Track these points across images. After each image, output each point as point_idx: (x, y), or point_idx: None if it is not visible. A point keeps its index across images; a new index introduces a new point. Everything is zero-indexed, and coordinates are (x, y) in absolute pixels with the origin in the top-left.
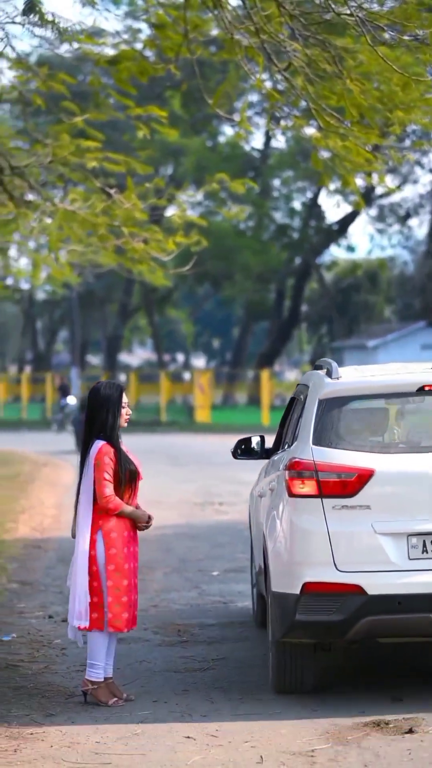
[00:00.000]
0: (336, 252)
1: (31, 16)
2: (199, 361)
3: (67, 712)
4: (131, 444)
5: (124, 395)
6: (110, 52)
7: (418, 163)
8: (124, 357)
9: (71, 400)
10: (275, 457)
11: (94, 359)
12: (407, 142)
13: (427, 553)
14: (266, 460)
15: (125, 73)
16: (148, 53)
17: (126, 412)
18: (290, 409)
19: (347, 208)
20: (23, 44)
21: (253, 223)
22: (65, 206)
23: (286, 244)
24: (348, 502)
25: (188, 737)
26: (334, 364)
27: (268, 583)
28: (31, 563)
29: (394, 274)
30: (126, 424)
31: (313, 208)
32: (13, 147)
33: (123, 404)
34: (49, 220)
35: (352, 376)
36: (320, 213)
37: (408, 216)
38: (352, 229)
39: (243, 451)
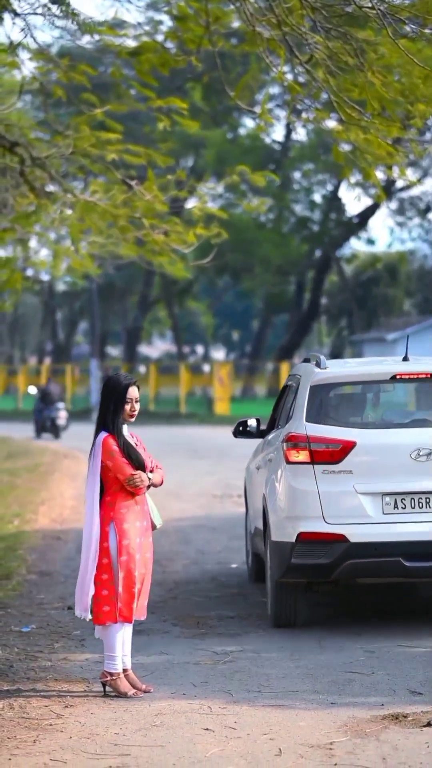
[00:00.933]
0: (356, 245)
1: (56, 6)
2: (219, 353)
3: (86, 704)
4: (150, 435)
5: (132, 390)
6: (131, 43)
7: None
8: (143, 349)
9: (31, 390)
10: (269, 436)
11: (114, 351)
12: (428, 136)
13: (398, 509)
14: (261, 439)
15: (146, 64)
16: (170, 45)
17: (131, 408)
18: (282, 396)
19: (367, 201)
20: (44, 35)
21: (273, 216)
22: (86, 198)
23: (306, 236)
24: (334, 468)
25: (207, 729)
26: (322, 357)
27: (267, 535)
28: (51, 554)
29: (414, 268)
30: (132, 419)
31: (333, 201)
32: (34, 138)
33: (128, 399)
34: (69, 212)
35: (337, 366)
36: (340, 206)
37: (428, 209)
38: (372, 222)
39: (242, 431)
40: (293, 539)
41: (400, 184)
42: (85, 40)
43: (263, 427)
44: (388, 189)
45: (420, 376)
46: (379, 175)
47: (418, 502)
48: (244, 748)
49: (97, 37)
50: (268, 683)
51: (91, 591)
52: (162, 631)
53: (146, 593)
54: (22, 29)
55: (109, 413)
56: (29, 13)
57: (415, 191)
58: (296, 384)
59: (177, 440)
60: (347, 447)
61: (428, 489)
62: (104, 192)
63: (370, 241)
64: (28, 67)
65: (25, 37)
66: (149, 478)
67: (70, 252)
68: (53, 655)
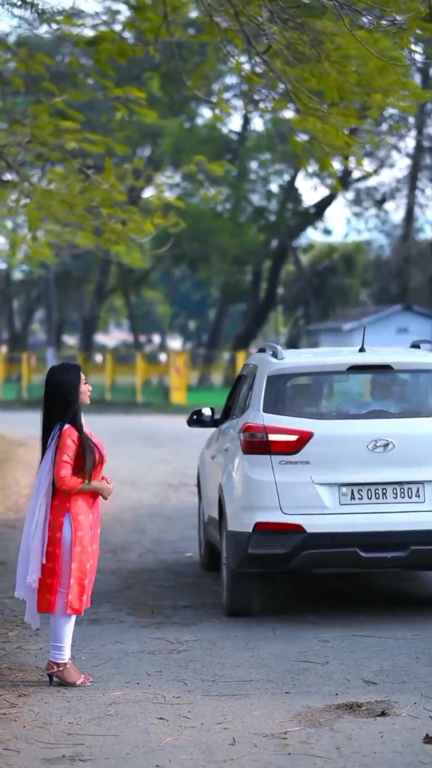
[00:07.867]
0: (312, 235)
1: None
2: (176, 343)
3: (40, 693)
4: (106, 424)
5: (80, 374)
6: (89, 33)
7: (395, 147)
8: (100, 338)
9: None
10: (224, 426)
11: (71, 339)
12: (384, 126)
13: (354, 499)
14: (215, 429)
15: (104, 54)
16: (127, 35)
17: (87, 389)
18: (237, 385)
19: (324, 192)
20: (2, 24)
21: (230, 205)
22: (43, 186)
23: (262, 226)
24: (291, 458)
25: (161, 718)
26: (279, 347)
27: (224, 525)
28: (4, 543)
29: (370, 258)
30: (88, 401)
31: (290, 191)
32: None
33: (82, 381)
34: (26, 200)
35: (294, 357)
36: (297, 196)
37: (384, 200)
38: (329, 212)
39: (196, 420)
40: (250, 529)
41: (356, 174)
42: (43, 30)
43: (218, 416)
44: (345, 179)
45: (376, 367)
46: (336, 165)
47: (375, 493)
48: (198, 738)
49: (55, 26)
50: (222, 672)
51: (33, 575)
52: (117, 620)
53: (92, 584)
54: None
55: (68, 405)
56: None
57: (372, 182)
58: (252, 374)
59: (133, 429)
60: (304, 437)
61: (384, 480)
62: (62, 180)
63: (327, 231)
64: None
65: None
66: (84, 488)
67: (28, 240)
68: (7, 645)
